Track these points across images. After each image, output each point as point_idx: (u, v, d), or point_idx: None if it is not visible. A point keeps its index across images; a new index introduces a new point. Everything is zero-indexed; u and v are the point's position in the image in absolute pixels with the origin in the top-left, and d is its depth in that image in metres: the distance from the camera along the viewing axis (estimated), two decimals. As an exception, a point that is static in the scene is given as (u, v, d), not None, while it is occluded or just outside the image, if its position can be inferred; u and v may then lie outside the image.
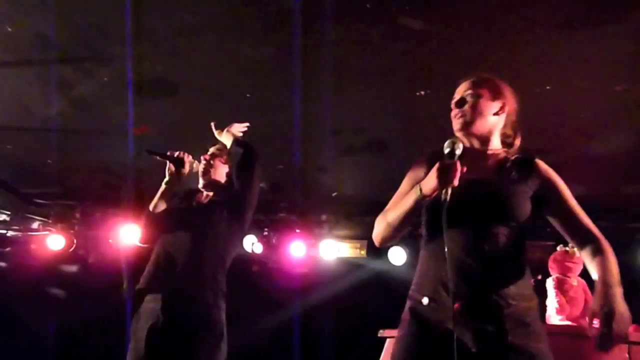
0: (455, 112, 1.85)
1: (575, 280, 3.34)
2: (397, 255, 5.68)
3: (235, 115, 4.01)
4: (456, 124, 1.85)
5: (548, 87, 3.44)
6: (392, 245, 5.31)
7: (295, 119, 3.94)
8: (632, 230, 5.10)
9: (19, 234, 6.06)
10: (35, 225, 6.07)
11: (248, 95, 3.75)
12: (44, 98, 3.90)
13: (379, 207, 1.95)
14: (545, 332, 2.42)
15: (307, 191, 5.36)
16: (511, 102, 1.88)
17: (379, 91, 3.64)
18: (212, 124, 3.01)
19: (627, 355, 2.75)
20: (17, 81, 3.75)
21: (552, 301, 3.29)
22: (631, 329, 3.02)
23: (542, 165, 1.84)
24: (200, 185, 2.87)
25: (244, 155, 2.78)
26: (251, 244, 5.82)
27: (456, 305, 1.62)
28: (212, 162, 2.88)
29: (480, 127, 1.82)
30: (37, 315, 5.84)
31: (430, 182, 1.66)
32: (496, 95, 1.85)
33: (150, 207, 2.81)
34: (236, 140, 2.87)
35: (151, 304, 2.57)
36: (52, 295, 6.26)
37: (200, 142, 4.29)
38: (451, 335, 1.59)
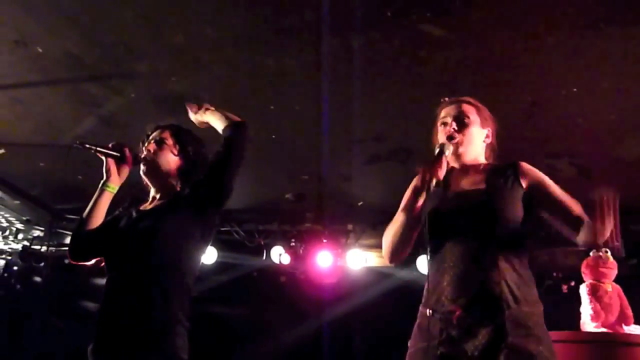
0: (449, 130, 1.94)
1: (609, 286, 3.26)
2: (426, 264, 5.60)
3: (260, 127, 4.07)
4: (446, 140, 1.94)
5: (575, 89, 3.39)
6: (419, 255, 5.26)
7: (324, 128, 3.95)
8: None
9: (53, 249, 6.18)
10: (68, 240, 6.18)
11: (272, 107, 3.79)
12: (74, 116, 4.00)
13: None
14: (580, 339, 2.37)
15: (333, 201, 5.36)
16: (494, 129, 2.01)
17: (403, 99, 3.64)
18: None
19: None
20: (47, 100, 3.86)
21: (586, 308, 3.22)
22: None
23: (526, 165, 1.91)
24: (141, 172, 2.22)
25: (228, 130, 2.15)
26: (278, 255, 5.84)
27: (456, 314, 1.69)
28: (158, 151, 2.22)
29: (470, 153, 1.95)
30: (72, 329, 5.93)
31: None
32: (484, 122, 1.98)
33: (84, 215, 2.14)
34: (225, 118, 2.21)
35: None
36: (86, 309, 6.36)
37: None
38: (453, 342, 1.67)
